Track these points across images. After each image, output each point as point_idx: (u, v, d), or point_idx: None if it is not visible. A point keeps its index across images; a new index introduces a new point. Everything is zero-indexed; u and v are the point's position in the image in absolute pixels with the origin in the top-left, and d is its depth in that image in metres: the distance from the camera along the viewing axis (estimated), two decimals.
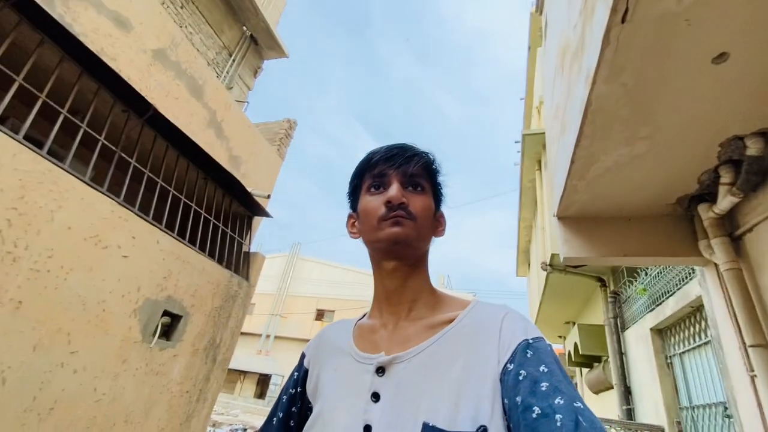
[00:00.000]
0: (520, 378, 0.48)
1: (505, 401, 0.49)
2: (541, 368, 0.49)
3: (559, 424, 0.42)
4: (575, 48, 1.87)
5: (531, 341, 0.53)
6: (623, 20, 1.35)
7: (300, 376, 0.71)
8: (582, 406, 0.44)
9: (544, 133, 4.50)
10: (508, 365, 0.51)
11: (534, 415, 0.44)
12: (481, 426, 0.48)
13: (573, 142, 1.90)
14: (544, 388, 0.46)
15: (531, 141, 5.13)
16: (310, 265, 23.11)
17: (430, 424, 0.49)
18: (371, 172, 0.68)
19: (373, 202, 0.65)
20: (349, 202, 0.75)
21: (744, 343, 1.82)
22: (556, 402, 0.44)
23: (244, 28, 6.53)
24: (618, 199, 2.24)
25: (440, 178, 0.73)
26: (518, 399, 0.47)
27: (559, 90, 2.33)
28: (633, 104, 1.65)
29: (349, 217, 0.75)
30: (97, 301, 2.48)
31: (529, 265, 8.86)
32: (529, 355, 0.51)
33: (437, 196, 0.72)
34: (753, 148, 1.72)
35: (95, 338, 2.48)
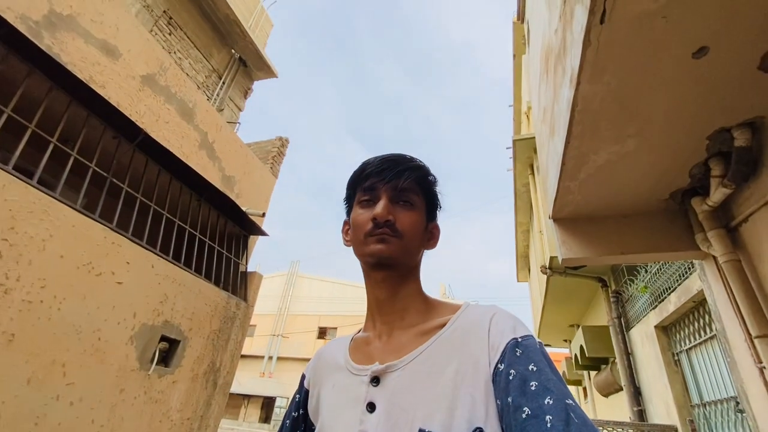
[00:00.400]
0: (510, 378, 0.48)
1: (498, 402, 0.49)
2: (530, 367, 0.48)
3: (549, 425, 0.42)
4: (558, 51, 1.90)
5: (520, 339, 0.53)
6: (602, 21, 1.37)
7: (301, 398, 0.72)
8: (573, 403, 0.44)
9: (534, 137, 4.54)
10: (499, 365, 0.51)
11: (524, 416, 0.44)
12: (477, 428, 0.47)
13: (562, 143, 1.91)
14: (533, 388, 0.46)
15: (522, 146, 5.18)
16: (310, 283, 22.91)
17: (426, 430, 0.49)
18: (362, 185, 0.68)
19: (361, 217, 0.65)
20: (345, 209, 0.76)
21: (750, 335, 1.80)
22: (545, 402, 0.44)
23: (233, 51, 6.62)
24: (612, 197, 2.24)
25: (436, 189, 0.72)
26: (509, 399, 0.46)
27: (545, 94, 2.36)
28: (618, 103, 1.67)
29: (345, 223, 0.75)
30: (91, 330, 2.43)
31: (529, 269, 8.83)
32: (518, 354, 0.51)
33: (431, 207, 0.71)
34: (740, 139, 1.73)
35: (91, 368, 2.42)
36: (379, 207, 0.63)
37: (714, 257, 2.05)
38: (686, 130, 1.78)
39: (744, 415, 2.13)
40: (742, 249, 1.93)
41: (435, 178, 0.71)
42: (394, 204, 0.65)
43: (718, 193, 1.92)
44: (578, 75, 1.56)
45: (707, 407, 2.89)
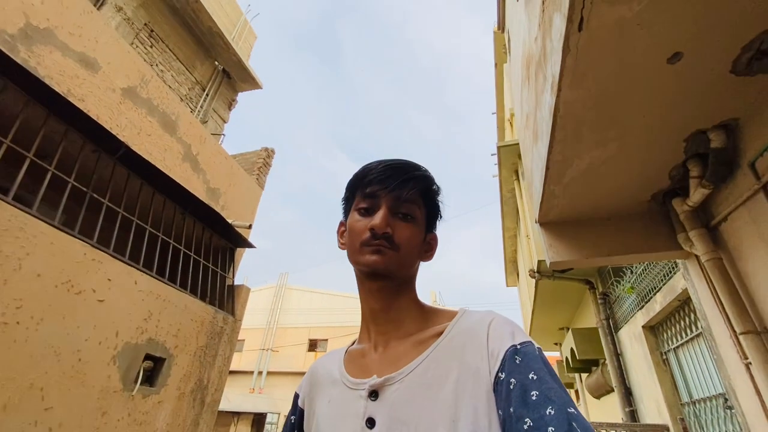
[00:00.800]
0: (512, 387, 0.48)
1: (500, 412, 0.48)
2: (531, 375, 0.48)
3: None
4: (538, 59, 1.94)
5: (519, 346, 0.52)
6: (580, 28, 1.41)
7: (296, 420, 0.69)
8: (575, 412, 0.44)
9: (517, 143, 4.62)
10: (500, 374, 0.50)
11: (526, 427, 0.43)
12: None
13: (546, 148, 1.94)
14: (534, 398, 0.45)
15: (506, 152, 5.25)
16: (299, 295, 22.60)
17: None
18: (363, 190, 0.65)
19: (359, 224, 0.63)
20: (342, 209, 0.73)
21: (734, 332, 1.84)
22: (547, 412, 0.43)
23: (216, 63, 6.59)
24: (596, 200, 2.28)
25: (438, 199, 0.70)
26: (511, 410, 0.46)
27: (527, 100, 2.41)
28: (599, 107, 1.70)
29: (341, 224, 0.73)
30: (71, 351, 2.34)
31: (517, 274, 8.90)
32: (518, 362, 0.50)
33: (431, 218, 0.70)
34: (716, 140, 1.79)
35: (71, 391, 2.32)
36: (378, 218, 0.61)
37: (696, 256, 2.09)
38: (665, 132, 1.83)
39: (733, 411, 2.16)
40: (723, 247, 1.97)
41: (438, 189, 0.70)
42: (393, 215, 0.62)
43: (697, 194, 1.97)
44: (559, 81, 1.59)
45: (697, 405, 2.93)
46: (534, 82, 2.12)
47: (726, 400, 2.35)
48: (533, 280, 4.97)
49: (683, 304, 2.94)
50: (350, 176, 0.70)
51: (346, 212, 0.71)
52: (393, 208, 0.63)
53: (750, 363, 1.75)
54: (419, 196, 0.66)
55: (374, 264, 0.60)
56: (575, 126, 1.79)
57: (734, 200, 1.86)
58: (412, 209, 0.64)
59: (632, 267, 3.67)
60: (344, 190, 0.72)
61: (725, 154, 1.81)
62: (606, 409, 5.26)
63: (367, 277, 0.63)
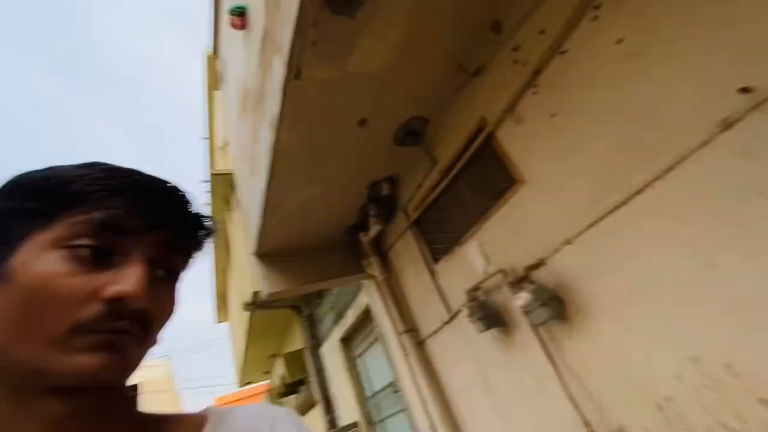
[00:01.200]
0: None
1: None
2: None
3: None
4: (257, 94, 1.97)
5: None
6: (297, 77, 1.54)
7: None
8: None
9: (231, 173, 4.51)
10: None
11: None
12: None
13: (265, 183, 1.97)
14: None
15: (218, 181, 5.03)
16: None
17: None
18: (91, 214, 0.34)
19: (70, 281, 0.33)
20: None
21: (398, 332, 2.45)
22: None
23: None
24: (306, 232, 2.51)
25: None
26: None
27: (244, 132, 2.39)
28: (310, 150, 1.91)
29: None
30: None
31: (227, 309, 8.52)
32: None
33: None
34: (385, 189, 2.39)
35: None
36: (135, 278, 0.34)
37: (374, 277, 2.68)
38: (355, 179, 2.27)
39: (399, 393, 2.85)
40: (390, 270, 2.63)
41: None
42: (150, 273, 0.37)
43: (374, 229, 2.55)
44: (278, 121, 1.67)
45: (376, 396, 3.69)
46: (252, 115, 2.13)
47: (394, 386, 3.08)
48: (246, 313, 4.87)
49: (366, 316, 3.69)
50: (36, 174, 0.37)
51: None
52: (155, 262, 0.38)
53: (407, 354, 2.38)
54: (197, 243, 0.43)
55: (98, 370, 0.32)
56: (291, 164, 1.91)
57: (396, 234, 2.53)
58: (180, 263, 0.42)
59: (331, 289, 4.28)
60: (7, 195, 0.37)
61: (391, 200, 2.44)
62: (314, 423, 5.75)
63: (57, 392, 0.33)
